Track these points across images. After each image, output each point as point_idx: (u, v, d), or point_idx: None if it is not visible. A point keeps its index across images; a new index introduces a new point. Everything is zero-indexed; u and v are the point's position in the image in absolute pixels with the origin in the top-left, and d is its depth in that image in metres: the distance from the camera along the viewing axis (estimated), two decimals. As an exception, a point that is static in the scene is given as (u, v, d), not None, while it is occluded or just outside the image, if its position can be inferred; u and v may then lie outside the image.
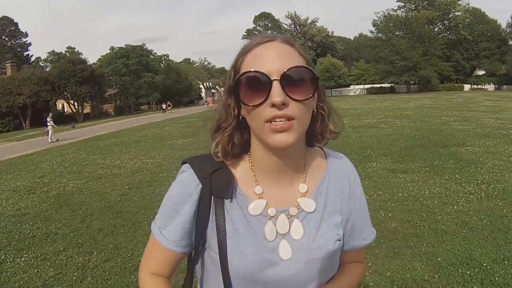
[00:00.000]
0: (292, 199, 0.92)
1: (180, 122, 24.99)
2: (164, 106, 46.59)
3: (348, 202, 0.97)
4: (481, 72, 62.78)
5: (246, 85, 0.80)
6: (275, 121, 0.78)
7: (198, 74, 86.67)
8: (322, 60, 63.25)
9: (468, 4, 62.19)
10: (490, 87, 57.29)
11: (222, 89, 0.94)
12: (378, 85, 58.39)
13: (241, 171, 0.92)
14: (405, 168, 8.27)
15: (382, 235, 4.64)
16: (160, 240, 0.93)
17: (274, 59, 0.79)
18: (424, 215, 5.40)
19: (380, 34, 57.49)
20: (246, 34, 76.45)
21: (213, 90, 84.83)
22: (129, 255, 4.57)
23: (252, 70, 0.79)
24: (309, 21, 73.91)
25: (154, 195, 7.04)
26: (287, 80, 0.78)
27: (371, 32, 60.62)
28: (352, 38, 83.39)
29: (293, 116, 0.78)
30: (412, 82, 54.82)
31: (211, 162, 0.91)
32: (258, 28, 78.11)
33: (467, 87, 55.96)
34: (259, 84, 0.78)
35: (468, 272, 3.76)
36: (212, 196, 0.88)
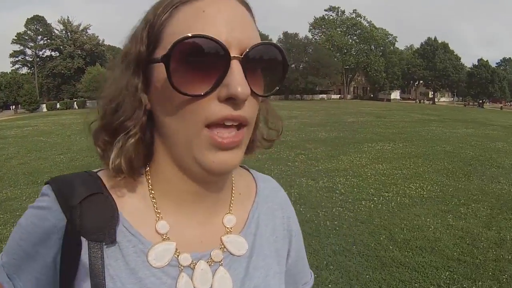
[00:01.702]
0: (214, 237, 0.73)
1: None
2: None
3: (287, 240, 0.84)
4: None
5: (186, 59, 0.57)
6: (225, 126, 0.59)
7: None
8: (91, 69, 66.56)
9: None
10: None
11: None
12: None
13: (132, 195, 0.70)
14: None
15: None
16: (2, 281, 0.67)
17: (234, 24, 0.59)
18: (227, 230, 5.34)
19: None
20: (16, 38, 76.08)
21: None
22: None
23: (207, 35, 0.56)
24: (81, 28, 78.36)
25: None
26: (250, 62, 0.59)
27: None
28: (122, 47, 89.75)
29: (248, 121, 0.61)
30: None
31: (85, 183, 0.67)
32: (29, 32, 77.90)
33: None
34: (207, 60, 0.57)
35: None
36: (83, 239, 0.64)
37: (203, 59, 0.57)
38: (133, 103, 0.64)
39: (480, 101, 69.90)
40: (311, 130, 18.08)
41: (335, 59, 74.78)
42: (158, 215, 0.69)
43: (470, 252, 4.64)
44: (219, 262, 0.71)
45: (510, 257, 4.52)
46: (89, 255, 0.63)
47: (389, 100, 74.03)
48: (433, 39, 76.25)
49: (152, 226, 0.68)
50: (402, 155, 11.45)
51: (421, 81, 79.42)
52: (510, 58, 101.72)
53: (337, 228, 5.41)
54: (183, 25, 0.60)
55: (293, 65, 73.56)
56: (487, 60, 73.21)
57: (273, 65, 0.64)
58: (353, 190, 7.52)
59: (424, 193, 7.29)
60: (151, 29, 0.63)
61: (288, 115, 28.39)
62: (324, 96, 78.54)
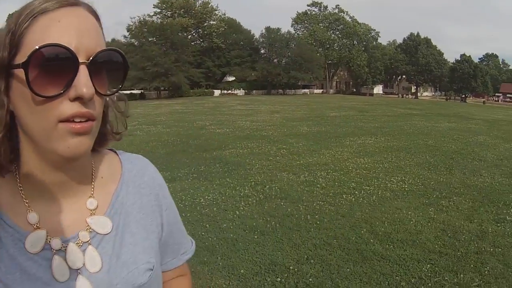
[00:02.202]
0: (80, 221, 0.82)
1: None
2: None
3: (157, 215, 0.94)
4: (231, 78, 75.12)
5: (42, 65, 0.67)
6: (74, 120, 0.69)
7: None
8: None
9: (224, 14, 75.95)
10: (240, 92, 70.29)
11: None
12: (128, 92, 62.85)
13: (5, 193, 0.79)
14: (171, 176, 8.31)
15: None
16: None
17: (83, 32, 0.70)
18: (207, 225, 5.37)
19: (133, 40, 63.33)
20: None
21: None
22: None
23: (58, 43, 0.67)
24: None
25: None
26: (96, 66, 0.71)
27: (125, 37, 65.82)
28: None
29: (95, 116, 0.72)
30: (162, 88, 62.01)
31: None
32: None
33: (217, 92, 67.13)
34: (59, 65, 0.67)
35: (278, 279, 3.82)
36: None
37: (56, 64, 0.67)
38: None
39: (463, 96, 70.79)
40: (293, 124, 18.12)
41: (318, 54, 74.73)
42: (28, 207, 0.79)
43: (452, 244, 4.65)
44: (87, 242, 0.81)
45: (491, 249, 4.55)
46: None
47: (372, 94, 74.62)
48: (415, 34, 76.95)
49: (25, 217, 0.78)
50: (384, 149, 11.52)
51: (403, 76, 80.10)
52: (493, 53, 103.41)
53: (318, 222, 5.39)
54: (41, 34, 0.68)
55: (275, 60, 73.59)
56: (469, 56, 74.20)
57: (116, 68, 0.76)
58: (334, 184, 7.53)
59: (406, 186, 7.32)
60: (12, 36, 0.70)
61: (270, 110, 28.46)
62: (307, 90, 78.69)
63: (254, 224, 5.35)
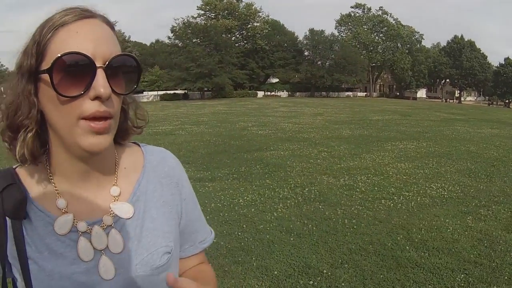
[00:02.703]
0: (104, 206, 0.91)
1: None
2: None
3: (176, 203, 1.01)
4: (275, 80, 75.37)
5: (64, 70, 0.77)
6: (94, 119, 0.78)
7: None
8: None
9: (268, 16, 75.90)
10: (283, 93, 70.44)
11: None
12: (172, 92, 64.03)
13: (38, 182, 0.91)
14: (211, 176, 8.44)
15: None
16: None
17: (99, 41, 0.80)
18: (244, 226, 5.44)
19: (177, 41, 64.56)
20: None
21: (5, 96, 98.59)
22: None
23: (77, 51, 0.77)
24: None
25: None
26: (112, 69, 0.80)
27: (169, 38, 67.54)
28: (148, 44, 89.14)
29: (112, 114, 0.80)
30: (206, 89, 62.48)
31: (4, 177, 0.89)
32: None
33: (260, 93, 67.32)
34: (79, 70, 0.77)
35: (311, 282, 3.84)
36: (7, 218, 0.86)
37: (77, 69, 0.76)
38: (29, 105, 0.82)
39: (507, 101, 67.71)
40: (335, 127, 17.98)
41: (361, 56, 73.51)
42: (57, 194, 0.89)
43: (488, 255, 4.53)
44: (111, 225, 0.89)
45: (529, 261, 4.39)
46: (12, 229, 0.85)
47: (415, 98, 72.58)
48: (459, 37, 74.32)
49: (54, 203, 0.88)
50: (425, 154, 11.27)
51: (447, 80, 77.62)
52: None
53: (354, 227, 5.37)
54: (62, 43, 0.78)
55: (319, 62, 73.02)
56: (514, 59, 70.74)
57: (130, 70, 0.85)
58: (374, 188, 7.46)
59: (445, 193, 7.15)
60: (38, 46, 0.80)
61: (313, 112, 28.32)
62: (350, 93, 77.59)
63: (291, 226, 5.38)
